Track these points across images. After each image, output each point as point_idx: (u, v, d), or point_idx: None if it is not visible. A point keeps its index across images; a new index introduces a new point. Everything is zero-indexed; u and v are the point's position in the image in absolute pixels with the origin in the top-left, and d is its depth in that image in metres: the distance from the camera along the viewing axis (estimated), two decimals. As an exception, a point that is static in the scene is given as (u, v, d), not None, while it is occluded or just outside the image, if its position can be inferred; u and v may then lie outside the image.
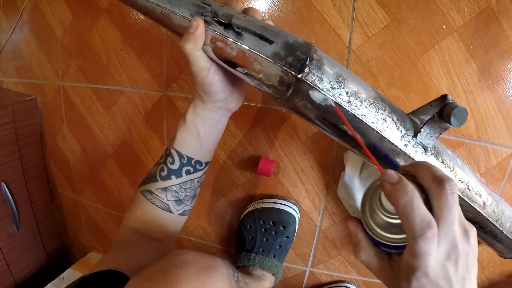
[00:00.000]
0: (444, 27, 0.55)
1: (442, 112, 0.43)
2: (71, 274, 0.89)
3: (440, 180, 0.30)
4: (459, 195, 0.49)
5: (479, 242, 0.65)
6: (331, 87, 0.39)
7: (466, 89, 0.58)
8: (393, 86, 0.59)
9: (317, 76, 0.39)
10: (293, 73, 0.38)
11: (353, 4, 0.57)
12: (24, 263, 0.94)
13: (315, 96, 0.40)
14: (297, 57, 0.39)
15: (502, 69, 0.56)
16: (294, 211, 0.68)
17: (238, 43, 0.40)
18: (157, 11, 0.42)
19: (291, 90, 0.39)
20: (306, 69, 0.38)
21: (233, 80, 0.47)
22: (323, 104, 0.40)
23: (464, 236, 0.30)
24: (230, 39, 0.40)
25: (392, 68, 0.59)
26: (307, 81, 0.39)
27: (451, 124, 0.42)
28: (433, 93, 0.59)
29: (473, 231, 0.31)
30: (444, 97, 0.43)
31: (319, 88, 0.39)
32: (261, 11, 0.61)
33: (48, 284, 0.85)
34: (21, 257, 0.93)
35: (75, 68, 0.81)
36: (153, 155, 0.79)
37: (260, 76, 0.40)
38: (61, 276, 0.89)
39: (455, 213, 0.29)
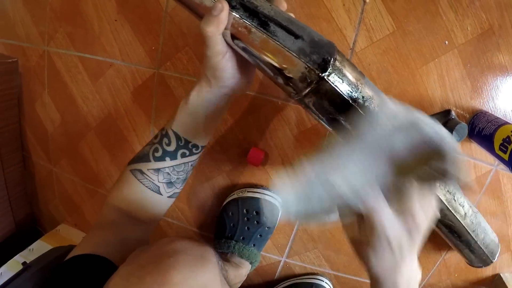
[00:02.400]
0: (446, 42, 0.57)
1: (444, 127, 0.45)
2: (41, 246, 0.87)
3: None
4: (445, 204, 0.52)
5: (451, 249, 0.69)
6: (350, 89, 0.39)
7: (458, 105, 0.60)
8: (389, 92, 0.60)
9: (339, 77, 0.38)
10: (317, 71, 0.38)
11: (362, 7, 0.57)
12: (-8, 230, 0.90)
13: (334, 97, 0.39)
14: (322, 55, 0.38)
15: (493, 91, 0.58)
16: (278, 202, 0.69)
17: (263, 33, 0.38)
18: None
19: (310, 88, 0.39)
20: (329, 69, 0.38)
21: (243, 67, 0.45)
22: None
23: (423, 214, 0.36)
24: (254, 26, 0.38)
25: (391, 75, 0.59)
26: (329, 81, 0.38)
27: (452, 139, 0.43)
28: (427, 104, 0.60)
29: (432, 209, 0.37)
30: (448, 112, 0.44)
31: (339, 89, 0.39)
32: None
33: (17, 255, 0.82)
34: (-11, 224, 0.89)
35: (63, 34, 0.77)
36: (138, 132, 0.77)
37: (281, 69, 0.40)
38: (30, 247, 0.86)
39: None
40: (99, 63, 0.75)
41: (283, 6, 0.42)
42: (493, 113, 0.60)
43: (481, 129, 0.57)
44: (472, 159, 0.63)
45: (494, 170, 0.63)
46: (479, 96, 0.59)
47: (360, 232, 0.38)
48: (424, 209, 0.36)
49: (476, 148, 0.62)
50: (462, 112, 0.60)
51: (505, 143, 0.52)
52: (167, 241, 0.37)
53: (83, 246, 0.44)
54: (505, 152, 0.52)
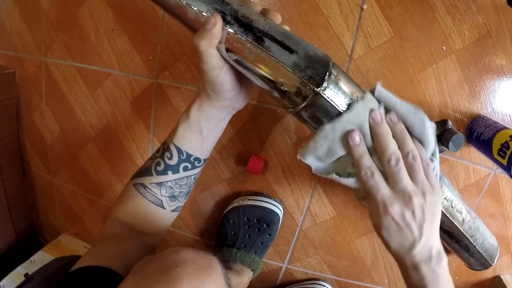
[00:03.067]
0: (444, 48, 0.57)
1: (441, 136, 0.45)
2: (42, 257, 0.86)
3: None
4: (443, 211, 0.52)
5: (450, 252, 0.69)
6: (346, 103, 0.39)
7: (456, 109, 0.60)
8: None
9: (334, 91, 0.38)
10: (312, 86, 0.38)
11: (360, 13, 0.57)
12: (-7, 242, 0.90)
13: (330, 111, 0.40)
14: (317, 70, 0.38)
15: (492, 95, 0.58)
16: (278, 210, 0.69)
17: (258, 48, 0.38)
18: (171, 1, 0.39)
19: (306, 102, 0.39)
20: (324, 83, 0.38)
21: (242, 79, 0.46)
22: None
23: (421, 194, 0.40)
24: (249, 42, 0.38)
25: (390, 81, 0.60)
26: (324, 95, 0.38)
27: (448, 149, 0.44)
28: (425, 110, 0.60)
29: (431, 193, 0.41)
30: (444, 122, 0.45)
31: (334, 103, 0.39)
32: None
33: (19, 266, 0.81)
34: (-10, 235, 0.89)
35: (60, 44, 0.76)
36: (137, 142, 0.77)
37: (276, 84, 0.40)
38: (32, 258, 0.85)
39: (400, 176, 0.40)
40: (97, 73, 0.75)
41: (278, 19, 0.42)
42: (491, 117, 0.60)
43: (479, 134, 0.57)
44: (471, 163, 0.63)
45: (493, 174, 0.64)
46: (477, 100, 0.59)
47: (372, 213, 0.43)
48: (421, 189, 0.40)
49: (474, 152, 0.62)
50: (460, 116, 0.60)
51: (503, 148, 0.52)
52: (173, 251, 0.38)
53: (87, 258, 0.44)
54: (503, 158, 0.52)
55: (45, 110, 0.84)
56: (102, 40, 0.72)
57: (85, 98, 0.78)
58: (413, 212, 0.40)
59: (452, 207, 0.53)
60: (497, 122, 0.57)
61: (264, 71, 0.39)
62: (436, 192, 0.41)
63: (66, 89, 0.80)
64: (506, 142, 0.52)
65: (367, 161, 0.41)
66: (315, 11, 0.58)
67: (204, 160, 0.52)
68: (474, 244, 0.58)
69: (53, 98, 0.82)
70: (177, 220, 0.80)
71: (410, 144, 0.41)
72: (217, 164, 0.72)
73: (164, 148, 0.49)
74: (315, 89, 0.38)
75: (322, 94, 0.38)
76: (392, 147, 0.40)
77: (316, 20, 0.59)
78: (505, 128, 0.54)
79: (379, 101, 0.42)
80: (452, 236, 0.56)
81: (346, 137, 0.41)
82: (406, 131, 0.42)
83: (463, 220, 0.55)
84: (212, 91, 0.44)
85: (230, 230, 0.69)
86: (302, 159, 0.44)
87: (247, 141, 0.69)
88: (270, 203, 0.68)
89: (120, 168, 0.81)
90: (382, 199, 0.40)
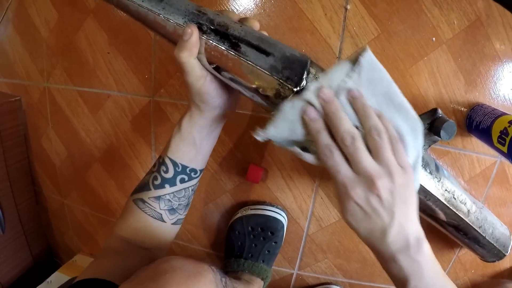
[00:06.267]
0: (434, 39, 0.56)
1: (432, 126, 0.44)
2: (58, 278, 0.88)
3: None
4: (445, 204, 0.51)
5: (462, 247, 0.67)
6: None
7: (453, 100, 0.59)
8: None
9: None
10: (290, 86, 0.38)
11: (345, 14, 0.57)
12: (10, 266, 0.92)
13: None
14: (294, 70, 0.38)
15: (488, 81, 0.57)
16: (282, 217, 0.69)
17: (234, 54, 0.39)
18: (150, 17, 0.40)
19: None
20: (302, 83, 0.38)
21: (227, 85, 0.46)
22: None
23: (386, 176, 0.35)
24: (225, 49, 0.39)
25: (381, 78, 0.59)
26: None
27: (440, 138, 0.43)
28: (420, 104, 0.60)
29: (401, 173, 0.36)
30: (434, 111, 0.44)
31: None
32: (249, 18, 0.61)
33: (36, 288, 0.84)
34: (6, 260, 0.91)
35: (60, 69, 0.79)
36: (140, 159, 0.78)
37: (256, 88, 0.40)
38: (48, 279, 0.87)
39: (358, 156, 0.36)
40: (97, 95, 0.77)
41: (256, 26, 0.42)
42: (490, 104, 0.59)
43: (478, 123, 0.56)
44: (474, 153, 0.62)
45: (499, 162, 0.62)
46: (474, 89, 0.58)
47: (337, 197, 0.39)
48: (387, 170, 0.36)
49: (476, 142, 0.61)
50: (458, 107, 0.59)
51: (503, 135, 0.51)
52: (164, 259, 0.39)
53: (85, 272, 0.45)
54: (503, 145, 0.51)
55: (51, 134, 0.87)
56: (99, 63, 0.74)
57: (88, 120, 0.80)
58: (378, 196, 0.35)
59: (455, 199, 0.52)
60: (495, 109, 0.56)
61: (242, 77, 0.40)
62: (407, 173, 0.37)
63: (69, 113, 0.82)
64: (505, 128, 0.51)
65: (324, 139, 0.37)
66: (299, 17, 0.59)
67: (201, 170, 0.52)
68: (484, 235, 0.56)
69: (58, 122, 0.85)
70: (185, 234, 0.80)
71: (372, 118, 0.37)
72: (219, 176, 0.73)
73: (160, 162, 0.50)
74: (294, 89, 0.38)
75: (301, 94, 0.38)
76: (345, 124, 0.36)
77: (301, 25, 0.59)
78: (503, 114, 0.53)
79: (362, 67, 0.38)
80: (459, 229, 0.55)
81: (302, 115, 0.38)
82: (369, 106, 0.38)
83: (469, 211, 0.54)
84: (200, 101, 0.45)
85: (236, 240, 0.69)
86: (262, 139, 0.41)
87: (246, 151, 0.69)
88: (273, 211, 0.68)
89: (126, 187, 0.82)
90: (343, 181, 0.36)
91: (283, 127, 0.39)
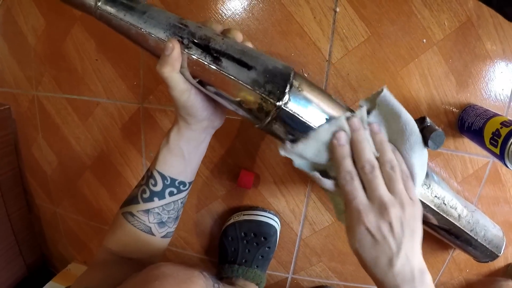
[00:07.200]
0: (424, 40, 0.56)
1: (420, 134, 0.44)
2: (53, 287, 0.87)
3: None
4: (435, 210, 0.51)
5: (454, 248, 0.67)
6: (310, 113, 0.39)
7: (444, 101, 0.59)
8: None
9: (297, 102, 0.38)
10: (272, 100, 0.38)
11: (334, 17, 0.56)
12: (4, 277, 0.91)
13: (295, 122, 0.39)
14: (277, 84, 0.38)
15: (479, 82, 0.57)
16: (274, 222, 0.69)
17: (216, 68, 0.38)
18: (132, 31, 0.40)
19: (269, 118, 0.39)
20: (285, 96, 0.38)
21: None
22: None
23: (398, 206, 0.38)
24: (207, 63, 0.38)
25: (372, 81, 0.59)
26: (287, 109, 0.38)
27: (428, 147, 0.43)
28: (412, 106, 0.59)
29: (410, 205, 0.38)
30: (422, 119, 0.44)
31: (298, 114, 0.39)
32: (240, 23, 0.60)
33: (29, 299, 0.83)
34: (0, 271, 0.90)
35: (49, 77, 0.78)
36: (131, 167, 0.77)
37: (239, 102, 0.40)
38: (42, 289, 0.87)
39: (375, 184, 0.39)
40: (86, 103, 0.76)
41: (238, 37, 0.42)
42: (482, 105, 0.58)
43: (470, 124, 0.55)
44: (466, 154, 0.61)
45: (492, 162, 0.62)
46: (465, 89, 0.58)
47: (347, 225, 0.41)
48: (399, 200, 0.38)
49: (469, 143, 0.61)
50: (450, 108, 0.59)
51: (495, 137, 0.50)
52: (155, 266, 0.39)
53: (75, 284, 0.45)
54: (495, 146, 0.50)
55: (42, 143, 0.86)
56: (88, 70, 0.73)
57: (78, 128, 0.79)
58: (390, 224, 0.37)
59: (445, 204, 0.51)
60: (487, 110, 0.55)
61: (225, 91, 0.39)
62: (416, 206, 0.40)
63: (59, 121, 0.81)
64: (497, 130, 0.50)
65: (348, 165, 0.40)
66: (288, 20, 0.58)
67: (190, 183, 0.52)
68: (476, 238, 0.56)
69: (48, 131, 0.84)
70: (179, 240, 0.80)
71: (389, 154, 0.40)
72: (210, 182, 0.72)
73: (148, 176, 0.50)
74: (276, 103, 0.37)
75: (284, 108, 0.38)
76: (368, 154, 0.39)
77: (290, 28, 0.58)
78: (495, 115, 0.53)
79: (379, 106, 0.42)
80: (451, 233, 0.55)
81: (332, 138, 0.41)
82: (387, 141, 0.41)
83: (459, 215, 0.54)
84: (186, 114, 0.45)
85: (229, 246, 0.69)
86: (286, 155, 0.43)
87: (237, 157, 0.69)
88: (265, 216, 0.68)
89: (119, 194, 0.81)
90: (357, 207, 0.38)
91: (312, 146, 0.41)
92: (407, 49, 0.57)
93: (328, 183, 0.42)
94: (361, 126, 0.41)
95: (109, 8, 0.40)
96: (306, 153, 0.42)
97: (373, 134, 0.41)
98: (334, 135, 0.40)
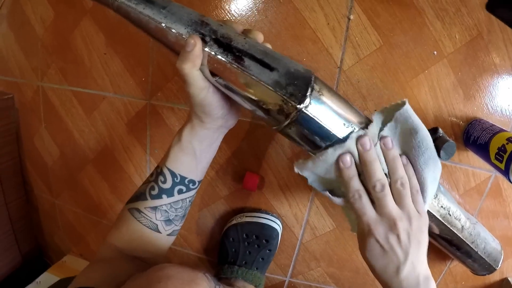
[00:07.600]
0: (435, 52, 0.56)
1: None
2: (48, 278, 0.87)
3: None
4: (440, 220, 0.51)
5: (452, 260, 0.68)
6: (331, 118, 0.39)
7: (451, 114, 0.59)
8: (381, 108, 0.60)
9: (317, 106, 0.38)
10: (293, 103, 0.37)
11: (347, 24, 0.57)
12: (-1, 265, 0.91)
13: (314, 126, 0.39)
14: (298, 87, 0.38)
15: (487, 96, 0.57)
16: (277, 225, 0.69)
17: (237, 67, 0.38)
18: (151, 25, 0.39)
19: (289, 120, 0.39)
20: (306, 100, 0.37)
21: (230, 97, 0.45)
22: None
23: (406, 219, 0.40)
24: (229, 62, 0.38)
25: (382, 90, 0.59)
26: (307, 112, 0.38)
27: (440, 158, 0.43)
28: (420, 117, 0.56)
29: (417, 219, 0.41)
30: (435, 129, 0.44)
31: (318, 119, 0.39)
32: (253, 25, 0.60)
33: (24, 288, 0.83)
34: (-5, 259, 0.90)
35: (55, 69, 0.77)
36: (134, 163, 0.77)
37: (258, 102, 0.39)
38: (37, 280, 0.86)
39: (385, 201, 0.40)
40: (92, 96, 0.75)
41: (260, 38, 0.41)
42: (488, 119, 0.59)
43: (476, 138, 0.56)
44: (470, 168, 0.62)
45: (494, 176, 0.62)
46: (472, 103, 0.58)
47: (358, 237, 0.43)
48: (407, 215, 0.40)
49: (473, 156, 0.61)
50: (456, 120, 0.59)
51: (500, 152, 0.51)
52: (159, 267, 0.38)
53: (76, 281, 0.44)
54: (501, 162, 0.51)
55: (44, 134, 0.85)
56: (95, 63, 0.73)
57: (82, 121, 0.79)
58: (398, 236, 0.40)
59: (450, 215, 0.52)
60: (494, 125, 0.56)
61: (245, 91, 0.39)
62: (423, 219, 0.42)
63: (63, 113, 0.80)
64: (503, 145, 0.51)
65: (355, 184, 0.41)
66: (302, 25, 0.58)
67: (199, 182, 0.51)
68: (476, 250, 0.57)
69: (52, 122, 0.83)
70: (178, 238, 0.80)
71: (400, 171, 0.41)
72: (214, 182, 0.72)
73: (158, 172, 0.49)
74: (297, 106, 0.37)
75: (304, 111, 0.38)
76: (378, 174, 0.40)
77: (303, 33, 0.58)
78: (502, 130, 0.53)
79: (397, 119, 0.41)
80: (452, 244, 0.55)
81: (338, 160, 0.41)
82: (399, 157, 0.42)
83: (462, 227, 0.54)
84: (202, 112, 0.44)
85: (230, 247, 0.69)
86: (299, 172, 0.45)
87: (243, 158, 0.69)
88: (268, 219, 0.68)
89: (120, 189, 0.81)
90: (367, 221, 0.41)
91: (321, 166, 0.42)
92: (418, 60, 0.57)
93: (338, 201, 0.44)
94: (372, 146, 0.41)
95: (128, 1, 0.39)
96: (316, 171, 0.43)
97: (385, 150, 0.42)
98: (339, 157, 0.41)
